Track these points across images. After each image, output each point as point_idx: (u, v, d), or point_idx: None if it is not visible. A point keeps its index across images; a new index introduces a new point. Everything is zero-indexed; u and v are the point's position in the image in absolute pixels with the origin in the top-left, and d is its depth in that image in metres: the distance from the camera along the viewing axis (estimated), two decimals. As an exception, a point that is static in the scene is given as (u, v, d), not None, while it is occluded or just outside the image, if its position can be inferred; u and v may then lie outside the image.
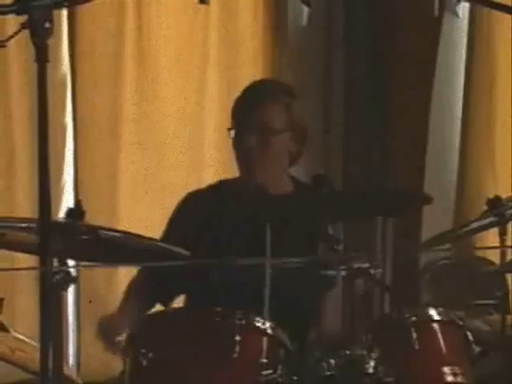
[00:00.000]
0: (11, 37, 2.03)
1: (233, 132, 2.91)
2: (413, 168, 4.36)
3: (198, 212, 2.92)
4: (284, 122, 2.89)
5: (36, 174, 3.95)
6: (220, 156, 4.16)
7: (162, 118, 4.26)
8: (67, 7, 2.08)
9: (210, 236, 2.86)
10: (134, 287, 2.93)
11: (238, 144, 2.89)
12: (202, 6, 4.12)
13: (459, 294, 3.78)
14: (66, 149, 4.15)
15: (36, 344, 2.78)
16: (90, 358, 4.07)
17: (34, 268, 2.07)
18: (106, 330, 2.74)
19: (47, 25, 1.99)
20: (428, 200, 2.53)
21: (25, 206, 3.99)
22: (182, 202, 2.98)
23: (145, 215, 4.07)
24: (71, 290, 3.93)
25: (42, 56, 2.00)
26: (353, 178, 4.36)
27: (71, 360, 4.10)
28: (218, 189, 2.99)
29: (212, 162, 4.25)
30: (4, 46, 2.06)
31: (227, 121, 3.02)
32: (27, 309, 3.85)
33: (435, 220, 4.16)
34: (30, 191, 4.00)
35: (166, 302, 2.90)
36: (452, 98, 4.39)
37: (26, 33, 3.65)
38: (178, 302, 3.00)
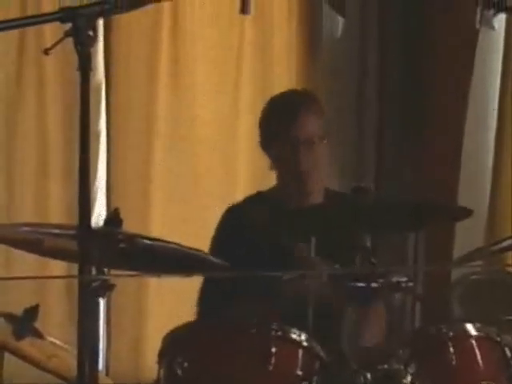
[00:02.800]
0: (55, 44, 2.04)
1: (274, 142, 2.91)
2: (446, 183, 4.33)
3: (241, 224, 2.93)
4: (321, 129, 2.91)
5: (69, 181, 4.00)
6: (252, 164, 4.16)
7: (197, 125, 4.26)
8: (111, 15, 2.08)
9: (249, 246, 2.86)
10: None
11: (282, 156, 2.88)
12: (238, 17, 4.16)
13: (491, 310, 3.75)
14: (100, 156, 4.16)
15: (70, 348, 2.80)
16: (120, 364, 4.07)
17: (73, 276, 2.07)
18: None
19: (90, 33, 2.00)
20: (466, 213, 2.52)
21: (58, 214, 4.01)
22: (226, 215, 2.99)
23: (178, 222, 4.08)
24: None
25: (85, 64, 2.00)
26: (385, 191, 4.34)
27: (101, 366, 4.11)
28: (258, 199, 2.99)
29: (245, 169, 4.24)
30: (48, 54, 2.07)
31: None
32: (60, 315, 3.86)
33: (467, 236, 4.13)
34: (64, 199, 4.02)
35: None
36: (487, 113, 4.36)
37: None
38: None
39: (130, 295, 4.02)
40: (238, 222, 2.95)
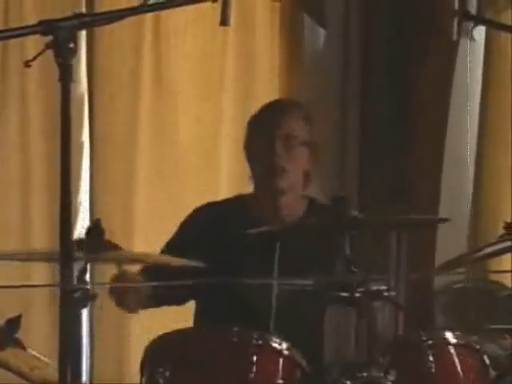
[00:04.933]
0: (36, 57, 2.06)
1: (253, 144, 2.92)
2: (428, 190, 4.36)
3: (210, 222, 2.94)
4: (305, 135, 2.92)
5: (52, 193, 4.00)
6: (236, 173, 4.17)
7: (179, 136, 4.28)
8: (91, 27, 2.09)
9: (219, 248, 2.87)
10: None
11: (260, 153, 2.90)
12: (219, 28, 4.18)
13: (473, 318, 3.77)
14: (83, 167, 4.17)
15: (50, 361, 2.80)
16: (103, 376, 4.07)
17: (54, 285, 2.08)
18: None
19: (71, 45, 2.02)
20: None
21: (42, 226, 4.01)
22: (197, 210, 3.01)
23: (160, 234, 4.08)
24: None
25: (66, 76, 2.02)
26: (367, 199, 4.36)
27: (84, 377, 4.11)
28: (233, 203, 3.00)
29: (228, 177, 4.26)
30: (29, 66, 2.08)
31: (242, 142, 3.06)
32: (40, 326, 3.86)
33: (449, 243, 4.16)
34: (47, 211, 4.02)
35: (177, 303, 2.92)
36: (468, 121, 4.40)
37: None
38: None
39: (111, 305, 4.02)
40: (205, 216, 2.95)
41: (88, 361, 4.11)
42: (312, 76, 4.47)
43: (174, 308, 3.23)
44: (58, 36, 2.00)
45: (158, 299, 2.90)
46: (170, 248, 2.93)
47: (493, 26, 3.30)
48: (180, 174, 4.25)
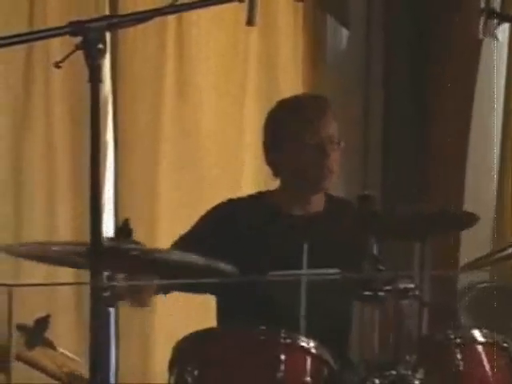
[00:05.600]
0: (65, 57, 2.08)
1: (284, 144, 2.89)
2: (452, 189, 4.35)
3: (231, 218, 2.93)
4: (337, 134, 2.92)
5: (78, 196, 4.02)
6: (258, 174, 4.18)
7: (202, 137, 4.29)
8: (120, 28, 2.11)
9: (243, 246, 2.86)
10: None
11: (294, 155, 2.88)
12: (244, 29, 4.19)
13: (498, 317, 3.77)
14: (107, 167, 4.19)
15: (79, 359, 2.83)
16: (129, 375, 4.09)
17: (85, 283, 2.10)
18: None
19: (100, 46, 2.04)
20: (473, 220, 2.54)
21: (67, 229, 4.04)
22: (218, 206, 2.99)
23: (184, 230, 4.10)
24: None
25: (96, 77, 2.04)
26: (391, 199, 4.36)
27: (112, 378, 4.14)
28: (259, 199, 2.99)
29: (251, 180, 4.28)
30: (59, 67, 2.10)
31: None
32: (68, 325, 3.88)
33: (474, 243, 4.15)
34: (73, 214, 4.05)
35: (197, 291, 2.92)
36: (491, 123, 4.39)
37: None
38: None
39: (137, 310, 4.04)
40: (226, 212, 2.94)
41: (114, 361, 4.13)
42: (335, 76, 4.48)
43: (200, 307, 3.24)
44: (88, 37, 2.01)
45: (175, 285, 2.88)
46: (185, 241, 2.92)
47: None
48: (203, 172, 4.26)
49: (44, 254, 2.43)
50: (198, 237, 2.95)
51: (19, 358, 2.55)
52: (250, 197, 3.04)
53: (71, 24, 2.03)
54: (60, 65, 2.12)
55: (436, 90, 4.46)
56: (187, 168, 4.26)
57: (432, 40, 4.44)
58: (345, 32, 4.51)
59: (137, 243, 2.43)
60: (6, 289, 2.45)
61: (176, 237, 4.06)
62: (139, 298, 2.72)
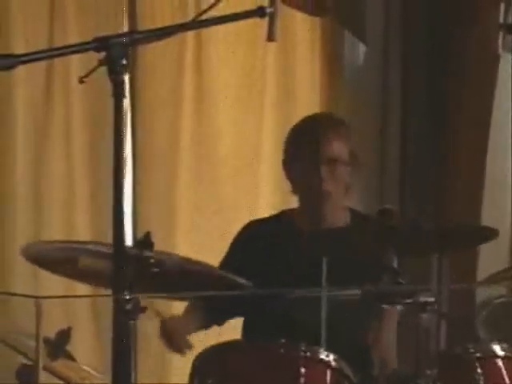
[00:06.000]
0: (90, 72, 2.10)
1: (297, 164, 2.96)
2: (470, 203, 4.36)
3: (258, 240, 2.98)
4: (346, 154, 2.96)
5: (96, 208, 4.05)
6: (276, 190, 4.21)
7: (221, 152, 4.32)
8: (143, 43, 2.13)
9: (269, 265, 2.90)
10: (187, 307, 3.00)
11: (305, 176, 2.93)
12: (261, 45, 4.22)
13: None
14: (125, 180, 4.21)
15: (99, 375, 2.85)
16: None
17: (108, 295, 2.11)
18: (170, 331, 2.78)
19: (124, 61, 2.06)
20: (492, 234, 2.55)
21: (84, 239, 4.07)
22: (244, 229, 3.05)
23: (203, 246, 4.12)
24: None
25: (119, 92, 2.06)
26: (409, 213, 4.37)
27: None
28: (280, 218, 3.04)
29: (268, 196, 4.29)
30: (83, 82, 2.13)
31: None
32: (85, 339, 3.90)
33: (491, 256, 4.15)
34: (91, 226, 4.08)
35: (219, 322, 2.97)
36: (509, 136, 4.40)
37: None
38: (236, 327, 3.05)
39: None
40: (252, 235, 3.00)
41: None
42: (352, 91, 4.50)
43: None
44: (111, 52, 2.03)
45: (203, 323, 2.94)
46: (225, 268, 2.96)
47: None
48: (221, 188, 4.29)
49: (68, 255, 2.44)
50: (236, 261, 2.99)
51: (45, 369, 2.57)
52: (271, 216, 3.12)
53: (96, 40, 2.05)
54: (84, 80, 2.14)
55: (454, 104, 4.47)
56: (205, 182, 4.29)
57: (449, 54, 4.45)
58: (362, 47, 4.53)
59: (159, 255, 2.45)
60: (34, 301, 2.46)
61: (194, 251, 4.12)
62: (178, 343, 2.77)
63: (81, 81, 2.13)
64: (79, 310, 3.94)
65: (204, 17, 2.31)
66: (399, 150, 4.53)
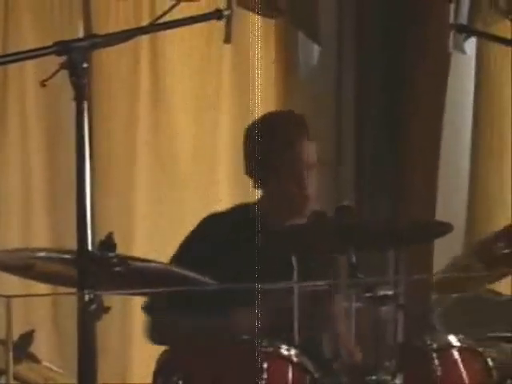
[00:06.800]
0: (51, 76, 2.13)
1: (267, 163, 2.95)
2: (424, 196, 4.44)
3: (213, 236, 2.98)
4: (315, 155, 2.98)
5: (53, 209, 4.05)
6: (236, 186, 4.24)
7: (177, 153, 4.35)
8: (104, 47, 2.16)
9: (225, 261, 2.92)
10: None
11: (281, 179, 2.94)
12: (216, 47, 4.25)
13: (472, 327, 3.83)
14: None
15: (64, 372, 2.86)
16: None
17: (72, 293, 2.13)
18: None
19: (85, 65, 2.09)
20: (446, 229, 2.61)
21: (43, 243, 4.07)
22: (198, 226, 3.04)
23: (162, 247, 4.14)
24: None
25: (81, 95, 2.09)
26: (366, 209, 4.44)
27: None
28: (235, 213, 3.04)
29: (227, 192, 4.33)
30: (44, 86, 2.15)
31: (239, 156, 3.10)
32: (48, 338, 3.91)
33: (446, 249, 4.22)
34: (49, 228, 4.09)
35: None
36: (462, 133, 4.49)
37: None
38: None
39: (116, 317, 4.07)
40: (214, 231, 2.98)
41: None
42: (307, 91, 4.55)
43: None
44: (73, 56, 2.06)
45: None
46: (178, 261, 2.97)
47: (487, 38, 3.37)
48: (180, 188, 4.31)
49: (25, 262, 2.45)
50: (187, 255, 2.99)
51: (2, 373, 2.57)
52: (232, 210, 3.08)
53: (56, 44, 2.07)
54: (46, 83, 2.17)
55: (407, 103, 4.55)
56: (164, 183, 4.31)
57: (403, 54, 4.52)
58: (316, 48, 4.59)
59: (120, 257, 2.47)
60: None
61: (153, 251, 4.13)
62: None
63: (42, 84, 2.15)
64: (41, 311, 3.94)
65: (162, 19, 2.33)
66: (354, 148, 4.59)
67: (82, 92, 2.09)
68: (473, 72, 4.42)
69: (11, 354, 2.42)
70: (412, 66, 4.48)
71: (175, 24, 2.27)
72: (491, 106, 4.41)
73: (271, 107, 4.45)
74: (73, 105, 2.11)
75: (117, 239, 4.06)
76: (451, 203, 4.48)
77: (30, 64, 3.91)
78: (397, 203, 4.46)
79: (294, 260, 2.54)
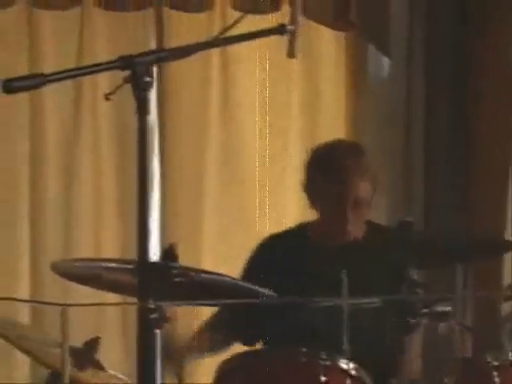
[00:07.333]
0: (115, 90, 2.18)
1: (318, 192, 3.02)
2: (494, 214, 4.39)
3: (277, 254, 3.04)
4: (371, 192, 3.00)
5: (124, 221, 4.12)
6: (301, 206, 4.25)
7: (246, 166, 4.38)
8: (167, 62, 2.20)
9: (288, 278, 2.96)
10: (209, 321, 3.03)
11: (329, 212, 3.00)
12: (286, 61, 4.27)
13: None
14: (154, 192, 4.31)
15: (129, 380, 2.91)
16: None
17: (132, 303, 2.17)
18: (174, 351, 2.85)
19: (147, 79, 2.13)
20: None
21: (112, 251, 4.15)
22: (263, 243, 3.11)
23: (228, 259, 4.18)
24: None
25: (143, 109, 2.13)
26: (433, 226, 4.41)
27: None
28: (298, 232, 3.10)
29: (293, 210, 4.34)
30: (108, 100, 2.20)
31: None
32: (118, 349, 3.98)
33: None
34: (118, 239, 4.16)
35: (247, 342, 3.02)
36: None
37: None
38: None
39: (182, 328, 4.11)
40: (271, 249, 3.07)
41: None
42: (377, 105, 4.54)
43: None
44: (136, 70, 2.11)
45: (227, 340, 2.99)
46: (242, 277, 3.02)
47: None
48: (247, 202, 4.35)
49: (93, 272, 2.51)
50: (253, 277, 3.04)
51: (72, 380, 2.62)
52: (291, 230, 3.16)
53: (120, 58, 2.12)
54: (109, 97, 2.22)
55: (477, 116, 4.51)
56: (231, 194, 4.35)
57: (474, 70, 4.49)
58: (386, 61, 4.58)
59: (182, 268, 2.51)
60: (60, 309, 2.53)
61: (219, 263, 4.18)
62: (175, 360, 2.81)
63: (107, 98, 2.20)
64: (109, 320, 4.01)
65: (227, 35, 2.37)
66: (424, 162, 4.56)
67: (144, 105, 2.13)
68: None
69: (67, 362, 2.47)
70: (483, 82, 4.43)
71: (237, 39, 2.30)
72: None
73: (341, 121, 4.46)
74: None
75: (184, 251, 4.16)
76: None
77: (102, 79, 3.99)
78: (466, 218, 4.41)
79: (343, 275, 2.54)
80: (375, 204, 3.09)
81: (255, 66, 4.36)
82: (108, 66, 2.14)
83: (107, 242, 4.18)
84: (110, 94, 2.19)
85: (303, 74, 4.44)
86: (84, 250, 4.13)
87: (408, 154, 4.56)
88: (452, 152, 4.53)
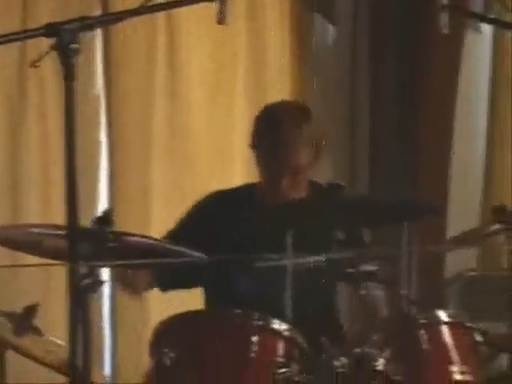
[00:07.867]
0: (41, 58, 2.20)
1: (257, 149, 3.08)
2: (438, 172, 4.45)
3: (217, 210, 3.09)
4: (307, 149, 3.05)
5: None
6: (248, 165, 4.29)
7: (193, 131, 4.41)
8: (92, 29, 2.22)
9: (226, 235, 3.01)
10: None
11: (264, 162, 3.08)
12: (230, 28, 4.29)
13: (488, 305, 3.84)
14: (101, 163, 4.32)
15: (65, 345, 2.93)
16: (126, 362, 4.21)
17: (61, 264, 2.20)
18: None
19: (73, 46, 2.15)
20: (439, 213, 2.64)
21: (60, 216, 4.17)
22: (203, 199, 3.17)
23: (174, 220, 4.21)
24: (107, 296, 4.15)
25: (70, 75, 2.16)
26: (377, 186, 4.48)
27: (107, 366, 4.26)
28: (245, 190, 3.16)
29: (241, 175, 4.38)
30: (36, 67, 2.22)
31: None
32: (60, 313, 4.00)
33: (461, 223, 4.22)
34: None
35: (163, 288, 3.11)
36: (476, 111, 4.50)
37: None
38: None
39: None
40: (210, 204, 3.12)
41: (112, 350, 4.26)
42: (322, 73, 4.58)
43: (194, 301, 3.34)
44: (62, 38, 2.13)
45: (165, 282, 3.05)
46: (176, 234, 3.07)
47: (484, 21, 3.36)
48: (195, 164, 4.38)
49: (32, 239, 2.54)
50: (186, 227, 3.10)
51: (8, 346, 2.65)
52: (238, 188, 3.21)
53: (46, 26, 2.14)
54: (38, 64, 2.24)
55: (421, 85, 4.55)
56: (179, 161, 4.38)
57: (419, 35, 4.52)
58: (331, 29, 4.61)
59: (116, 234, 2.54)
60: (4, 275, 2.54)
61: (167, 228, 4.21)
62: (132, 285, 2.88)
63: (33, 65, 2.22)
64: (53, 287, 4.03)
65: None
66: (368, 130, 4.62)
67: (71, 72, 2.16)
68: (489, 56, 4.42)
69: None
70: (428, 47, 4.48)
71: (167, 6, 2.32)
72: (506, 88, 4.40)
73: (286, 89, 4.49)
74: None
75: (133, 220, 4.18)
76: (466, 178, 4.48)
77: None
78: (408, 186, 4.48)
79: (288, 235, 2.59)
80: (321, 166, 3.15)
81: (201, 35, 4.38)
82: (34, 34, 2.16)
83: (55, 207, 4.20)
84: (36, 61, 2.21)
85: (248, 43, 4.46)
86: (32, 215, 4.15)
87: (352, 123, 4.61)
88: (396, 119, 4.59)
